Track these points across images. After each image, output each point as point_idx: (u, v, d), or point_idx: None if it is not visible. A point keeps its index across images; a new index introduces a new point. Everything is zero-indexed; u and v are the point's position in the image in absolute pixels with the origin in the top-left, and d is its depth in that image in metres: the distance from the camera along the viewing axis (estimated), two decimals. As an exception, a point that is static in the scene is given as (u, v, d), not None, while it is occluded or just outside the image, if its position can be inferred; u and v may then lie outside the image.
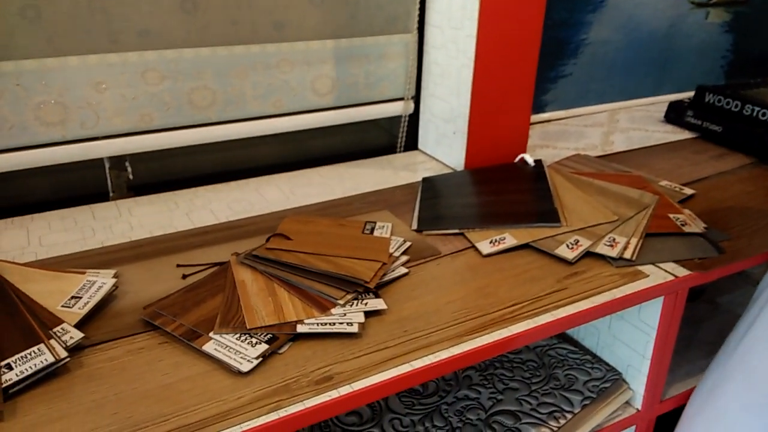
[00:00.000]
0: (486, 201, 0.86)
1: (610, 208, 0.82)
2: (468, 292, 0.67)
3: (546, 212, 0.80)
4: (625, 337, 0.78)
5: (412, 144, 1.10)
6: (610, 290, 0.68)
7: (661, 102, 1.40)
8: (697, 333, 0.96)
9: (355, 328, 0.59)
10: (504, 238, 0.77)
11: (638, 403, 0.78)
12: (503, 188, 0.89)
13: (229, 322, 0.59)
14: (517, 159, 0.97)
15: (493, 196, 0.87)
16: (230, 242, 0.76)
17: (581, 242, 0.75)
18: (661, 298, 0.71)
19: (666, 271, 0.72)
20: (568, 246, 0.74)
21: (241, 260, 0.69)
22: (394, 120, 1.08)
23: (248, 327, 0.58)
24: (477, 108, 0.95)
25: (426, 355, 0.57)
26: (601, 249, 0.74)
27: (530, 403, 0.74)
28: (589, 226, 0.78)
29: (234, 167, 0.99)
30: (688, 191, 0.93)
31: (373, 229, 0.78)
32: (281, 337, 0.58)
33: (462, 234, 0.79)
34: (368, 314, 0.62)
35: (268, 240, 0.73)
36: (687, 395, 0.81)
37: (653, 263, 0.73)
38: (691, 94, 1.23)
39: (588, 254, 0.74)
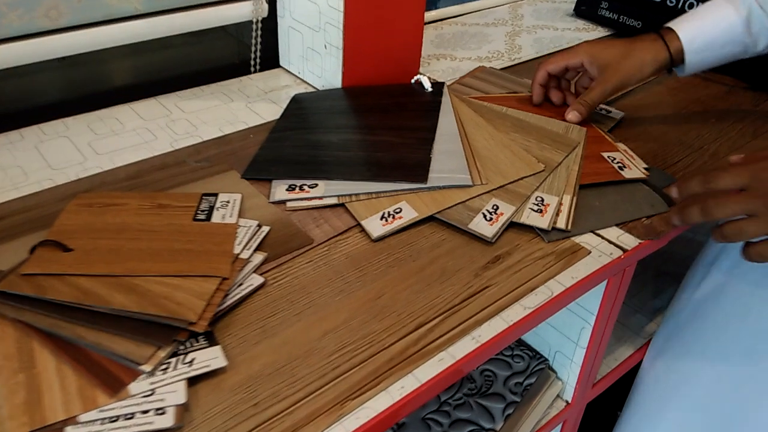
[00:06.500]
0: (369, 142, 0.63)
1: (533, 151, 0.62)
2: (354, 309, 0.46)
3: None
4: (554, 319, 0.61)
5: (272, 60, 0.82)
6: (546, 282, 0.49)
7: (568, -11, 1.19)
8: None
9: (169, 419, 0.36)
10: (400, 210, 0.55)
11: (569, 395, 0.64)
12: (393, 123, 0.65)
13: (-60, 440, 0.34)
14: (413, 80, 0.73)
15: (378, 135, 0.64)
16: (-22, 252, 0.48)
17: (502, 209, 0.55)
18: (604, 281, 0.54)
19: (609, 241, 0.54)
20: (485, 216, 0.54)
21: (-24, 302, 0.42)
22: (245, 27, 0.79)
23: (-26, 448, 0.34)
24: (354, 8, 0.68)
25: (289, 450, 0.36)
26: (528, 218, 0.55)
27: (441, 424, 0.57)
28: (510, 182, 0.58)
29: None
30: (617, 114, 0.75)
31: (211, 211, 0.53)
32: (38, 458, 0.34)
33: (343, 206, 0.56)
34: (196, 380, 0.39)
35: (32, 252, 0.46)
36: (624, 369, 0.69)
37: (593, 231, 0.56)
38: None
39: (512, 223, 0.55)
